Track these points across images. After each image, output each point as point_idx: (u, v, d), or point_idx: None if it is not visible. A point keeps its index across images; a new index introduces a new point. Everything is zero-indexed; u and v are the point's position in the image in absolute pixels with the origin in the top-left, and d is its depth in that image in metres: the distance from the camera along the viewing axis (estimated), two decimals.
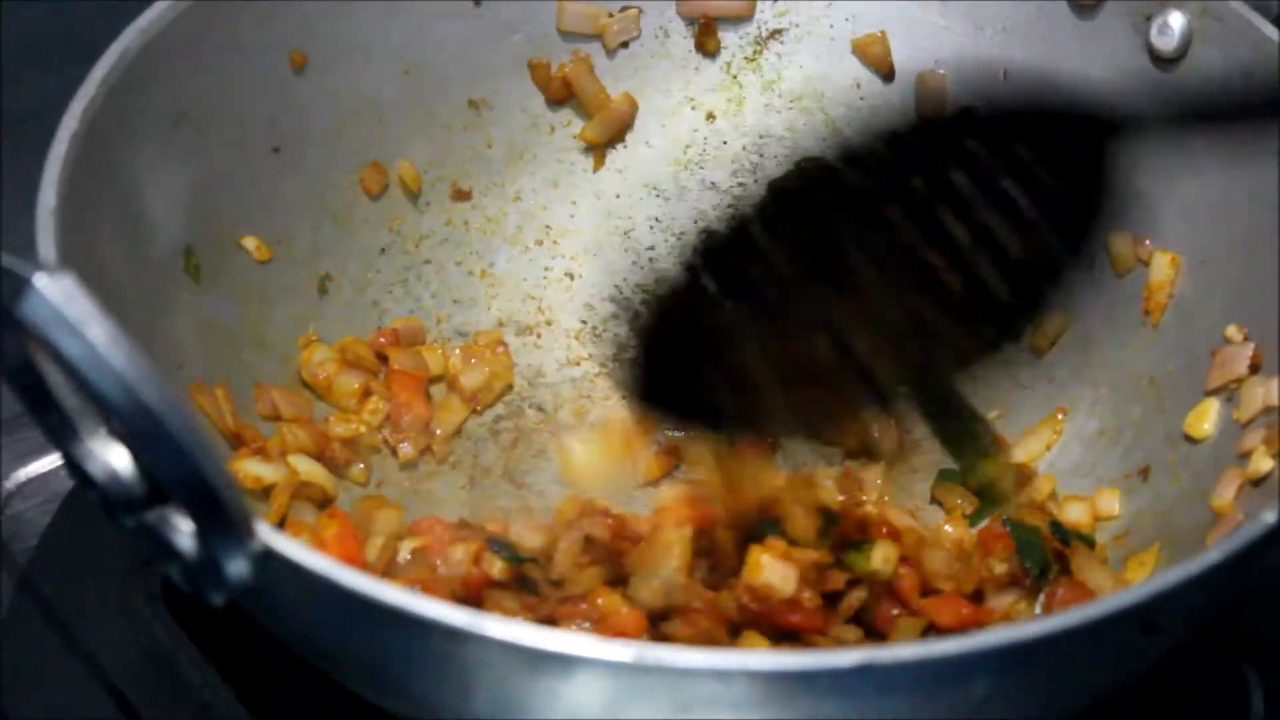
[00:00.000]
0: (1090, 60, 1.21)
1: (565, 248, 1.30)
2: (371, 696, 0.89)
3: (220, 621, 0.95)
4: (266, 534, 0.75)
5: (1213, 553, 0.82)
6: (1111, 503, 1.12)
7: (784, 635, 1.01)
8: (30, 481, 1.17)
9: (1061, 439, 1.19)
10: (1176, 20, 1.15)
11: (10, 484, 1.16)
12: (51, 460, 1.17)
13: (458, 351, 1.24)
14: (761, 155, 1.32)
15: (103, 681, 1.06)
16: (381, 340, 1.21)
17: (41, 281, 0.69)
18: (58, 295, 0.69)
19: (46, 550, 1.13)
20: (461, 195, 1.28)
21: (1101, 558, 1.09)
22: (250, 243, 1.15)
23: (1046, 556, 1.08)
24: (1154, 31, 1.17)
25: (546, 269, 1.30)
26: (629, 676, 0.75)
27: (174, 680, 1.06)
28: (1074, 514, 1.13)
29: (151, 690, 1.06)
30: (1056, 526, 1.10)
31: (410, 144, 1.25)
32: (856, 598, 1.04)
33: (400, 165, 1.25)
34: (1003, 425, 1.21)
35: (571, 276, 1.30)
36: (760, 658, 0.74)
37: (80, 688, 1.06)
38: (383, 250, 1.25)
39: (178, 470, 0.71)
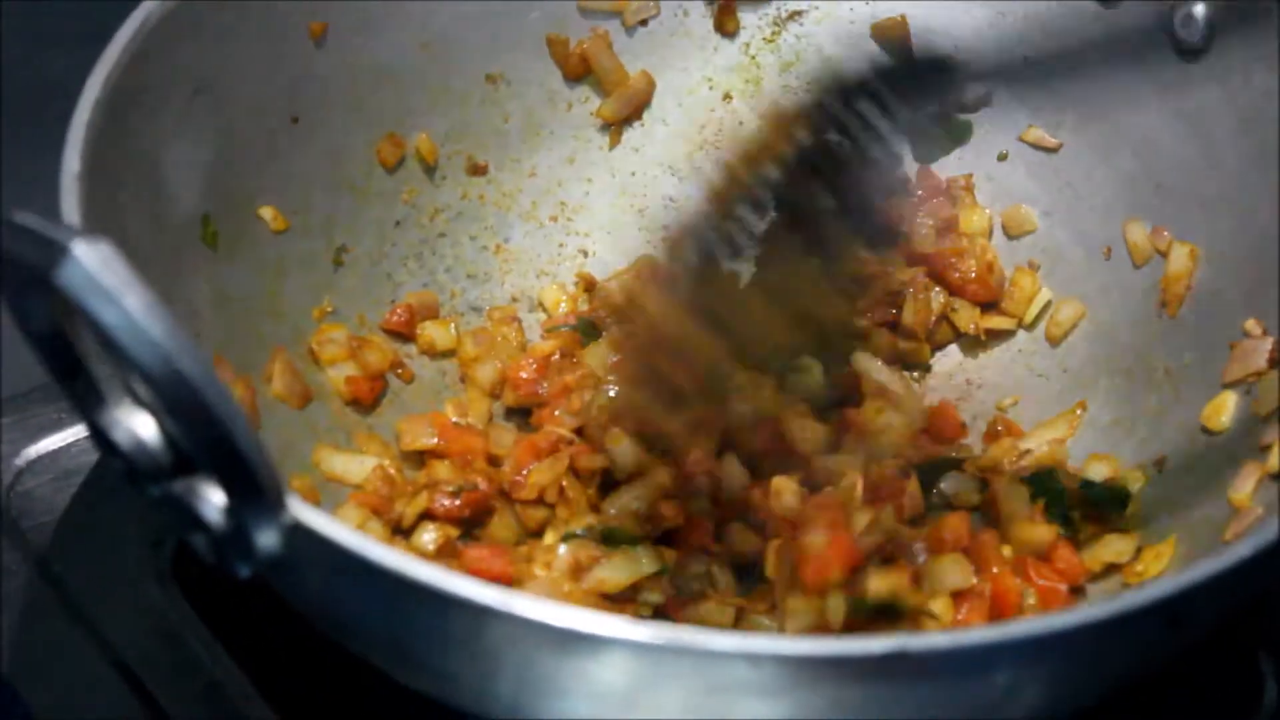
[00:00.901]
0: (1113, 50, 1.21)
1: (579, 225, 1.30)
2: (394, 673, 0.89)
3: (231, 600, 0.96)
4: (297, 507, 0.75)
5: (1242, 548, 0.81)
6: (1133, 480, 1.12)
7: None
8: (41, 458, 1.16)
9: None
10: (1200, 10, 1.15)
11: (21, 461, 1.16)
12: (62, 437, 1.17)
13: (470, 338, 1.23)
14: None
15: (113, 659, 1.06)
16: (395, 318, 1.21)
17: (79, 248, 0.68)
18: (95, 262, 0.68)
19: (57, 527, 1.13)
20: (477, 169, 1.28)
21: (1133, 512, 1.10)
22: (267, 213, 1.14)
23: (1066, 505, 1.09)
24: (1178, 22, 1.16)
25: (561, 245, 1.29)
26: (657, 658, 0.74)
27: (184, 657, 1.06)
28: (1097, 472, 1.13)
29: (162, 667, 1.06)
30: (1089, 484, 1.10)
31: (427, 117, 1.25)
32: None
33: (417, 138, 1.24)
34: (1016, 412, 1.21)
35: (585, 254, 1.30)
36: (791, 643, 0.74)
37: (91, 665, 1.06)
38: (398, 223, 1.24)
39: (211, 440, 0.71)
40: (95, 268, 0.69)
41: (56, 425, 1.17)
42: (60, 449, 1.16)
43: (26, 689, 1.03)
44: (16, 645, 1.06)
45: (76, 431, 1.16)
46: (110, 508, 1.12)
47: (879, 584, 0.98)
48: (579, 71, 1.29)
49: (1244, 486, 1.02)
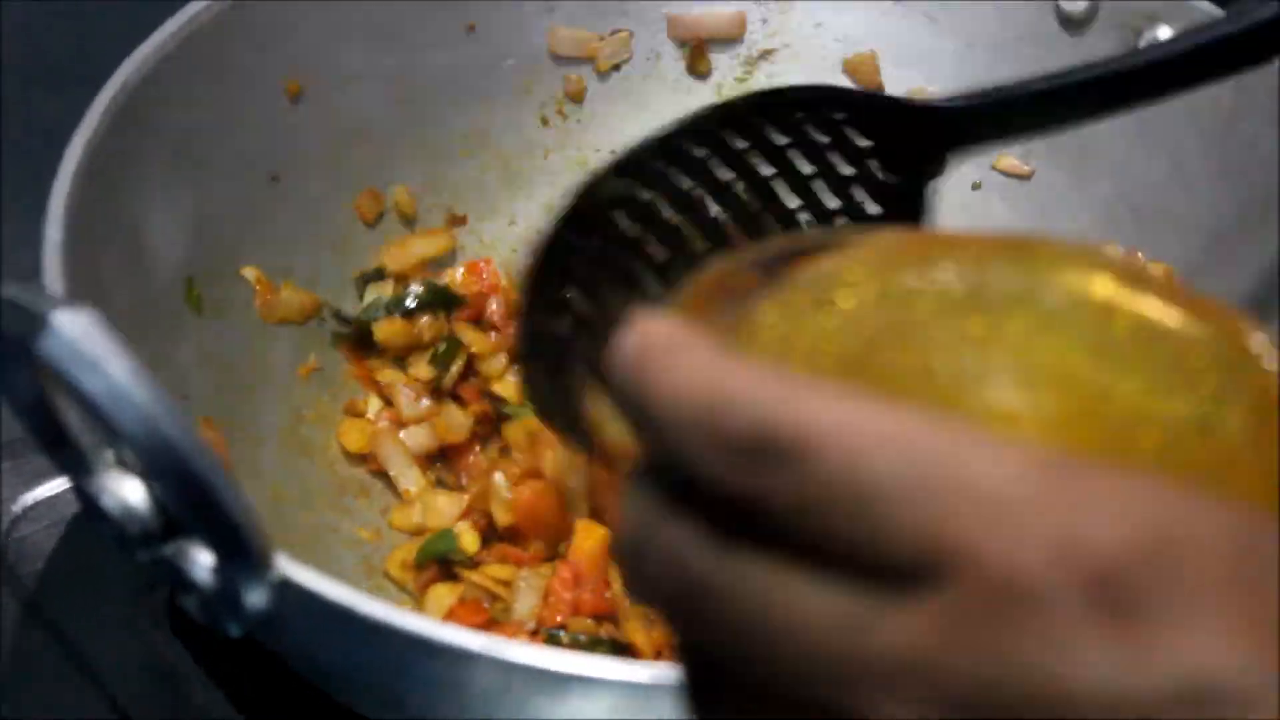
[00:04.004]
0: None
1: None
2: None
3: (226, 644, 0.96)
4: (284, 564, 0.76)
5: None
6: None
7: None
8: (36, 505, 1.17)
9: None
10: (1165, 35, 1.17)
11: (16, 508, 1.17)
12: (58, 484, 1.17)
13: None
14: None
15: (109, 703, 1.06)
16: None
17: (60, 318, 0.69)
18: (77, 331, 0.69)
19: (53, 573, 1.13)
20: (457, 220, 1.29)
21: None
22: (250, 273, 1.15)
23: None
24: (1143, 46, 1.18)
25: None
26: (650, 697, 0.75)
27: (179, 700, 1.06)
28: None
29: (158, 712, 1.06)
30: None
31: (405, 170, 1.26)
32: None
33: (395, 191, 1.25)
34: None
35: None
36: None
37: (85, 708, 1.06)
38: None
39: (197, 502, 0.72)
40: (76, 337, 0.69)
41: (52, 472, 1.17)
42: (56, 495, 1.17)
43: None
44: (13, 691, 1.07)
45: None
46: (103, 553, 1.12)
47: None
48: None
49: None
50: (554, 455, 1.12)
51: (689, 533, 0.43)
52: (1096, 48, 1.21)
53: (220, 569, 0.75)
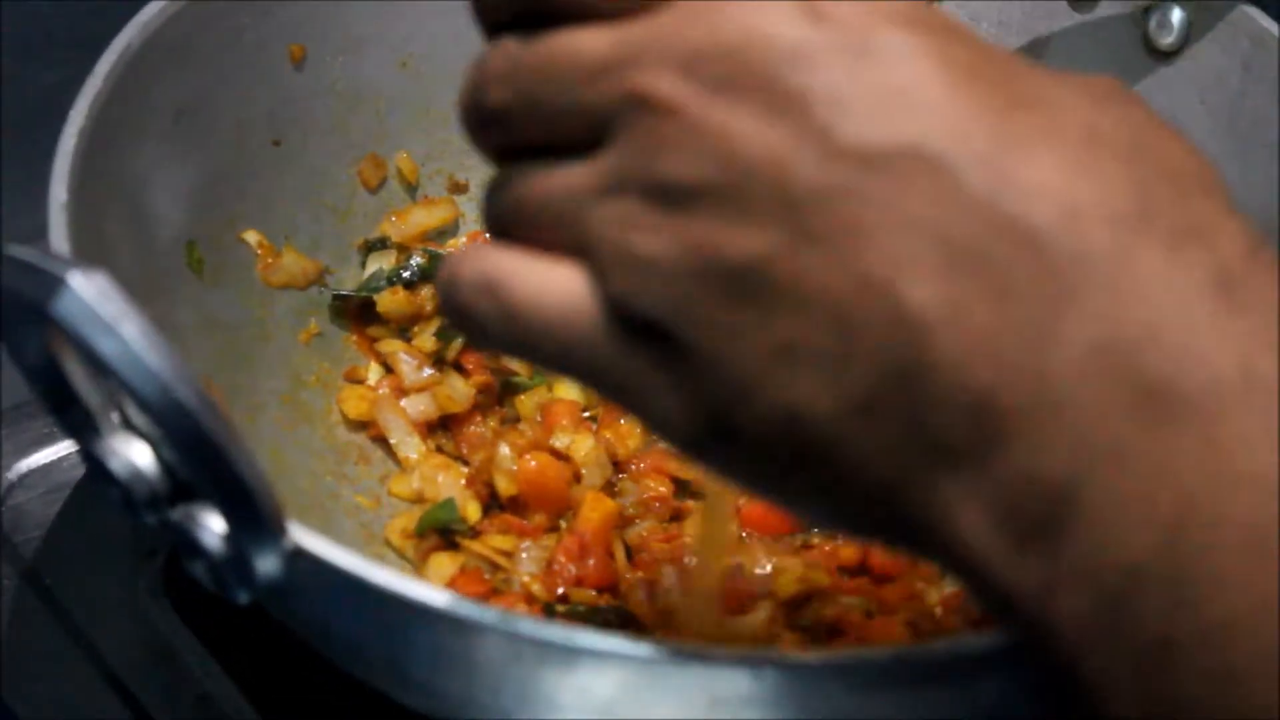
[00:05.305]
0: (1088, 54, 1.22)
1: None
2: (395, 694, 0.89)
3: (222, 613, 0.95)
4: (297, 532, 0.75)
5: None
6: None
7: None
8: (32, 472, 1.16)
9: None
10: (1175, 14, 1.16)
11: (12, 475, 1.16)
12: (54, 451, 1.17)
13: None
14: None
15: (104, 672, 1.06)
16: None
17: (75, 279, 0.68)
18: (91, 292, 0.68)
19: (49, 541, 1.13)
20: (458, 188, 1.28)
21: None
22: (252, 237, 1.15)
23: None
24: (1152, 25, 1.17)
25: None
26: (661, 671, 0.74)
27: (175, 669, 1.06)
28: None
29: (153, 679, 1.06)
30: None
31: (408, 137, 1.25)
32: None
33: (398, 158, 1.25)
34: None
35: None
36: (795, 654, 0.75)
37: (82, 678, 1.06)
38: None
39: (210, 467, 0.71)
40: (92, 298, 0.69)
41: (48, 439, 1.18)
42: (52, 463, 1.17)
43: (17, 701, 1.04)
44: (8, 658, 1.07)
45: (69, 445, 1.17)
46: (101, 520, 1.13)
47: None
48: None
49: None
50: (585, 444, 1.11)
51: (506, 41, 0.66)
52: (1103, 25, 1.20)
53: (231, 535, 0.74)
